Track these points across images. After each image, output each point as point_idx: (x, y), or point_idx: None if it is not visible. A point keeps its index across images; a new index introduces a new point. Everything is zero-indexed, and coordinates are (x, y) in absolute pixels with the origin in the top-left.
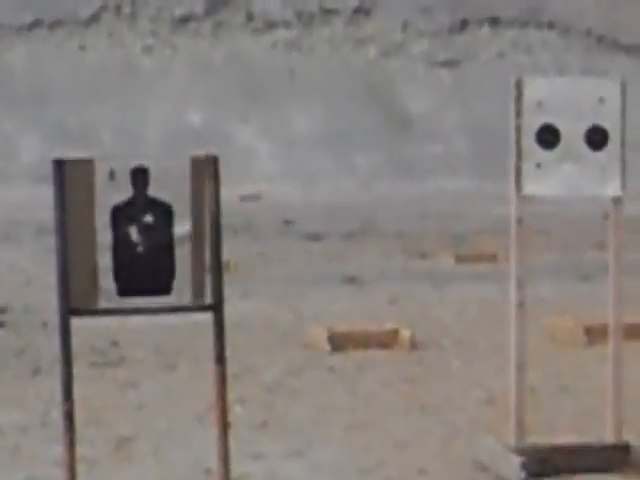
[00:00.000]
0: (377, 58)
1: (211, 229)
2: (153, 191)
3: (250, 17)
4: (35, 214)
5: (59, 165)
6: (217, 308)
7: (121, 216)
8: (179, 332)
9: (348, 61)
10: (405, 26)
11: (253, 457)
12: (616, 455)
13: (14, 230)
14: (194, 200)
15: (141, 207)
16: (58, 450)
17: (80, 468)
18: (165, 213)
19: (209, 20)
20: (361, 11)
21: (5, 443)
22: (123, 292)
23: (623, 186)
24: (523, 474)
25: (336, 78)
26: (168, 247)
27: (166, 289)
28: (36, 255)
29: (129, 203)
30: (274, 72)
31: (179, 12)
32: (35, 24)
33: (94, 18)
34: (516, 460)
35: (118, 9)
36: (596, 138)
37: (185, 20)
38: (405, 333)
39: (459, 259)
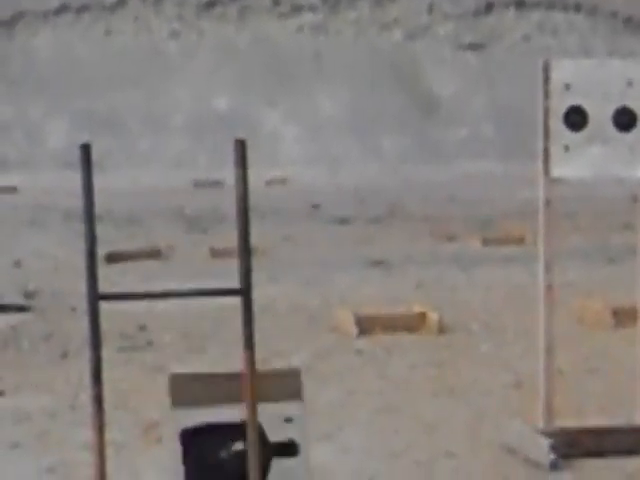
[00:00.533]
0: (403, 41)
1: (238, 213)
2: None
3: (276, 1)
4: (63, 200)
5: (86, 150)
6: (245, 292)
7: None
8: (207, 317)
9: (374, 44)
10: (431, 9)
11: None
12: None
13: (42, 215)
14: None
15: None
16: (87, 434)
17: (109, 452)
18: None
19: (235, 4)
20: None
21: (34, 427)
22: None
23: None
24: (552, 456)
25: (362, 61)
26: None
27: None
28: (64, 240)
29: None
30: (300, 56)
31: None
32: (61, 9)
33: (120, 3)
34: (545, 442)
35: None
36: (624, 120)
37: (211, 4)
38: (433, 316)
39: (486, 242)
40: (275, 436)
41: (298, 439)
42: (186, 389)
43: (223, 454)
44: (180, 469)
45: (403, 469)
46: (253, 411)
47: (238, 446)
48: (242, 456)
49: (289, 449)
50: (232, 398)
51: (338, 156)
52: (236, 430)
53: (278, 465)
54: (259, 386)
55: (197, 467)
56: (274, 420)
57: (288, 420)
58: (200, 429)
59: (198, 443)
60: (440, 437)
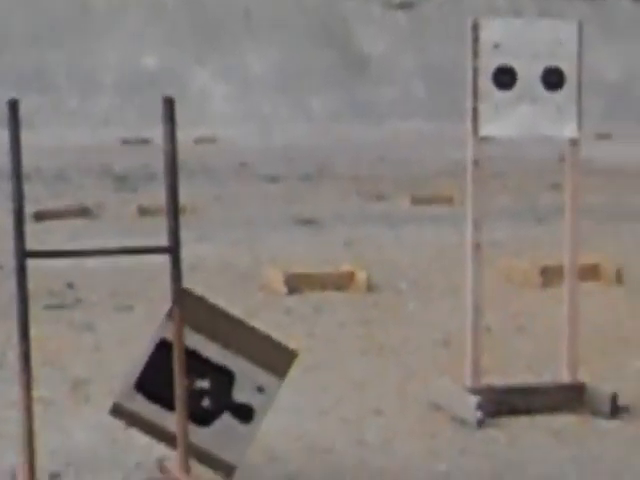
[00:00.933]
0: None
1: (167, 171)
2: None
3: None
4: None
5: (13, 106)
6: (174, 250)
7: None
8: (136, 275)
9: (303, 2)
10: None
11: None
12: (571, 395)
13: None
14: None
15: None
16: (15, 391)
17: (37, 409)
18: None
19: None
20: None
21: None
22: None
23: (579, 127)
24: (479, 414)
25: (291, 20)
26: None
27: None
28: None
29: None
30: (229, 14)
31: None
32: None
33: None
34: (472, 400)
35: None
36: (552, 79)
37: None
38: (361, 275)
39: (415, 201)
40: (240, 396)
41: (258, 410)
42: (195, 308)
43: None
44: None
45: (331, 426)
46: (181, 367)
47: (202, 384)
48: (199, 393)
49: (245, 414)
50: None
51: (267, 115)
52: (207, 368)
53: (227, 423)
54: (257, 342)
55: (157, 379)
56: (248, 382)
57: (260, 389)
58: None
59: (168, 359)
60: (369, 395)
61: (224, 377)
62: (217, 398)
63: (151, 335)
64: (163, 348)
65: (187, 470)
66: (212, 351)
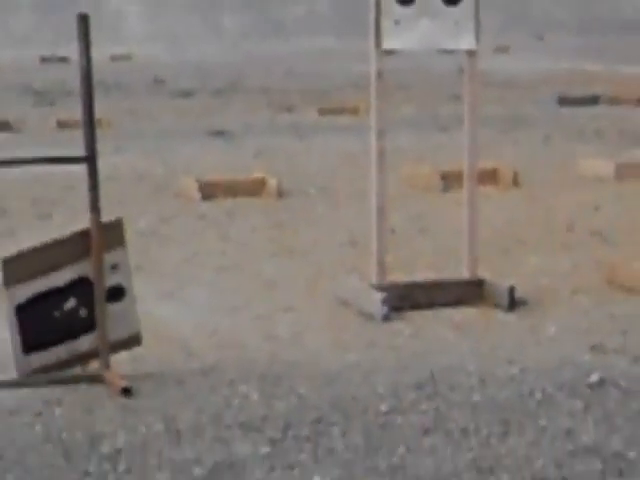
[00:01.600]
0: None
1: (82, 85)
2: None
3: None
4: None
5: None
6: (91, 160)
7: None
8: (55, 185)
9: None
10: None
11: None
12: (471, 290)
13: None
14: None
15: None
16: None
17: None
18: None
19: None
20: None
21: None
22: None
23: (477, 40)
24: (384, 309)
25: None
26: None
27: None
28: None
29: None
30: None
31: None
32: None
33: None
34: (377, 296)
35: None
36: None
37: None
38: (272, 182)
39: (322, 112)
40: (106, 281)
41: (124, 283)
42: (16, 269)
43: (56, 314)
44: (17, 340)
45: (244, 323)
46: (99, 265)
47: (69, 304)
48: (73, 311)
49: (116, 293)
50: (59, 264)
51: (181, 33)
52: (65, 291)
53: (109, 310)
54: (80, 241)
55: (35, 333)
56: (106, 275)
57: (114, 267)
58: (33, 300)
59: (32, 313)
60: (280, 293)
61: (80, 286)
62: (87, 302)
63: (7, 314)
64: (20, 312)
65: (107, 366)
66: (55, 279)
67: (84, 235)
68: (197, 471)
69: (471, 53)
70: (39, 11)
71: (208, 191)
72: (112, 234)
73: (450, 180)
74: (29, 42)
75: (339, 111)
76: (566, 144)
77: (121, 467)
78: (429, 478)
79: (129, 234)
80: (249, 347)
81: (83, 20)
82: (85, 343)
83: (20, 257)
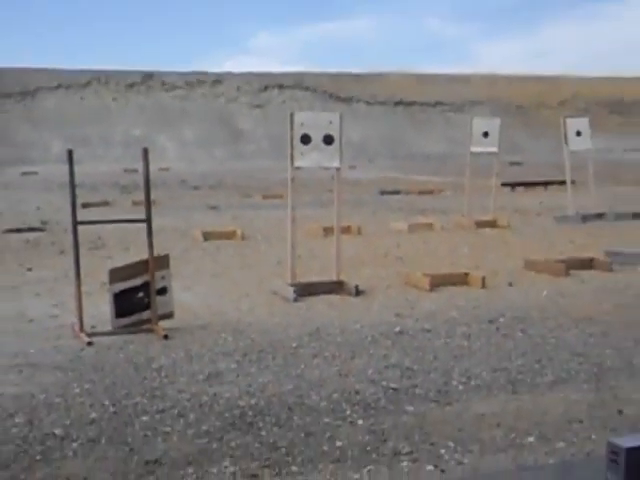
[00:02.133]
0: None
1: (145, 183)
2: None
3: None
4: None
5: (70, 154)
6: (148, 221)
7: None
8: (132, 232)
9: None
10: None
11: None
12: (336, 286)
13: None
14: None
15: None
16: (72, 289)
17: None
18: None
19: None
20: None
21: (47, 285)
22: None
23: (340, 162)
24: (294, 295)
25: None
26: None
27: None
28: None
29: None
30: None
31: None
32: None
33: None
34: (290, 289)
35: None
36: (329, 140)
37: None
38: (239, 232)
39: (265, 197)
40: (157, 285)
41: (167, 286)
42: (114, 275)
43: (133, 299)
44: (113, 311)
45: (224, 302)
46: (153, 276)
47: (140, 294)
48: (141, 299)
49: (162, 291)
50: (135, 274)
51: (194, 157)
52: (138, 288)
53: (158, 299)
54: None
55: (122, 308)
56: (158, 279)
57: (163, 277)
58: (122, 291)
59: (121, 298)
60: (243, 288)
61: (145, 286)
62: (148, 294)
63: (109, 298)
64: (116, 297)
65: (156, 325)
66: (133, 282)
67: (147, 261)
68: (200, 377)
69: (337, 169)
70: (124, 147)
71: (206, 236)
72: (162, 261)
73: (328, 231)
74: (119, 161)
75: (273, 197)
76: (384, 214)
77: (162, 374)
78: (315, 379)
79: (176, 257)
80: (227, 315)
81: (145, 152)
82: (146, 314)
83: (116, 269)
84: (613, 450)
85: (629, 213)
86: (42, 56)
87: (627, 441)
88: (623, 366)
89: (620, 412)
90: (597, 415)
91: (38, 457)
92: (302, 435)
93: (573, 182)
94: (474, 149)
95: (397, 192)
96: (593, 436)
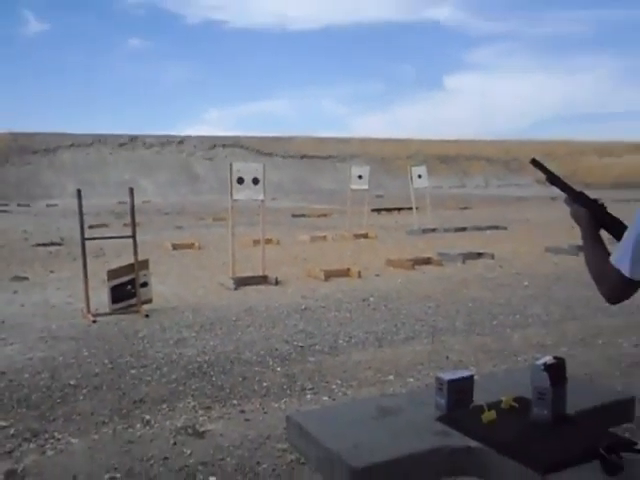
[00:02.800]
0: None
1: (130, 210)
2: None
3: None
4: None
5: (79, 192)
6: (134, 237)
7: None
8: (122, 245)
9: None
10: None
11: None
12: (262, 279)
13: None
14: None
15: None
16: (81, 285)
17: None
18: None
19: None
20: None
21: (65, 284)
22: None
23: (264, 196)
24: (234, 285)
25: None
26: None
27: None
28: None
29: None
30: None
31: None
32: None
33: None
34: (231, 281)
35: None
36: (256, 181)
37: None
38: (197, 243)
39: (215, 219)
40: (140, 280)
41: (148, 281)
42: (111, 274)
43: (124, 290)
44: (110, 298)
45: (187, 291)
46: (138, 275)
47: (128, 287)
48: (130, 290)
49: (145, 284)
50: (125, 273)
51: (166, 193)
52: (127, 282)
53: (141, 290)
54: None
55: (116, 296)
56: (142, 276)
57: (145, 275)
58: (116, 285)
59: (116, 289)
60: (200, 281)
61: (132, 281)
62: (134, 286)
63: (108, 290)
64: (113, 289)
65: (140, 307)
66: (124, 278)
67: (133, 264)
68: (170, 342)
69: (262, 200)
70: (117, 187)
71: (174, 247)
72: (144, 264)
73: (256, 242)
74: (114, 197)
75: (220, 219)
76: (294, 230)
77: (144, 341)
78: (248, 341)
79: (153, 261)
80: (188, 299)
81: (131, 190)
82: (133, 300)
83: (112, 270)
84: (440, 382)
85: (452, 227)
86: (60, 123)
87: (448, 375)
88: (449, 327)
89: (447, 357)
90: (433, 359)
91: (58, 400)
92: (240, 379)
93: (417, 208)
94: (353, 187)
95: (303, 215)
96: (430, 373)
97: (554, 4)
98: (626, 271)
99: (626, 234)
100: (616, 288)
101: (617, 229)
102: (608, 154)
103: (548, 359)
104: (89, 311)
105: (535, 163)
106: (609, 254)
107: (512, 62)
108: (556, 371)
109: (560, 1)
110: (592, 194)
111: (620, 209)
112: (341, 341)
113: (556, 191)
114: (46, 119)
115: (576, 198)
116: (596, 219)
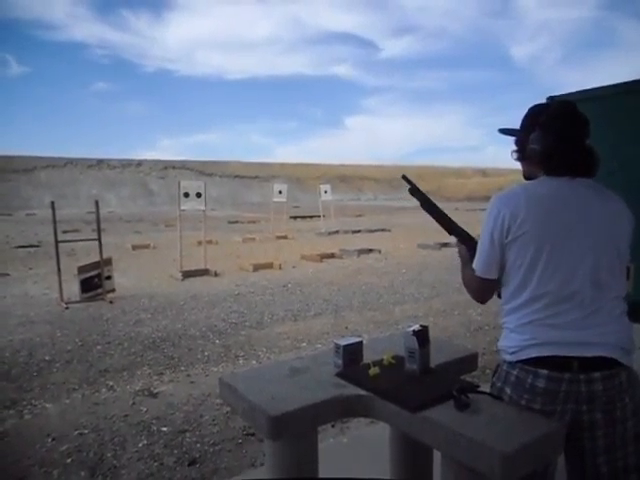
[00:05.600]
0: None
1: (97, 216)
2: None
3: None
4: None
5: (52, 204)
6: (99, 239)
7: None
8: (88, 246)
9: None
10: None
11: None
12: (205, 271)
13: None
14: None
15: None
16: (55, 264)
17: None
18: None
19: None
20: None
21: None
22: None
23: (205, 207)
24: (181, 276)
25: None
26: None
27: None
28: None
29: None
30: None
31: None
32: None
33: None
34: (179, 273)
35: None
36: (199, 195)
37: None
38: (152, 244)
39: (167, 224)
40: (105, 274)
41: (111, 275)
42: (81, 269)
43: (92, 282)
44: (79, 288)
45: (145, 282)
46: (103, 269)
47: (95, 279)
48: (97, 282)
49: (109, 277)
50: (92, 268)
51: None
52: (94, 276)
53: (106, 281)
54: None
55: (85, 287)
56: (105, 272)
57: (109, 270)
58: (85, 278)
59: (85, 281)
60: (154, 274)
61: (98, 275)
62: (100, 279)
63: (78, 282)
64: (82, 281)
65: (105, 295)
66: (92, 273)
67: (99, 261)
68: (130, 323)
69: (204, 210)
70: (86, 200)
71: (134, 248)
72: (108, 261)
73: (200, 243)
74: (83, 208)
75: (170, 225)
76: (230, 234)
77: (109, 322)
78: (193, 320)
79: (116, 259)
80: (145, 289)
81: (97, 202)
82: (100, 290)
83: (82, 266)
84: (337, 346)
85: (350, 230)
86: (39, 146)
87: (343, 341)
88: (348, 305)
89: (346, 328)
90: (335, 330)
91: (35, 373)
92: (186, 350)
93: (324, 215)
94: (275, 200)
95: (237, 222)
96: (334, 340)
97: (422, 65)
98: (478, 269)
99: (478, 246)
100: (478, 290)
101: None
102: (461, 176)
103: (416, 327)
104: (62, 299)
105: (405, 178)
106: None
107: (393, 108)
108: (422, 335)
109: (426, 63)
110: (450, 206)
111: (471, 216)
112: (266, 318)
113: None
114: (24, 144)
115: (460, 238)
116: (471, 251)
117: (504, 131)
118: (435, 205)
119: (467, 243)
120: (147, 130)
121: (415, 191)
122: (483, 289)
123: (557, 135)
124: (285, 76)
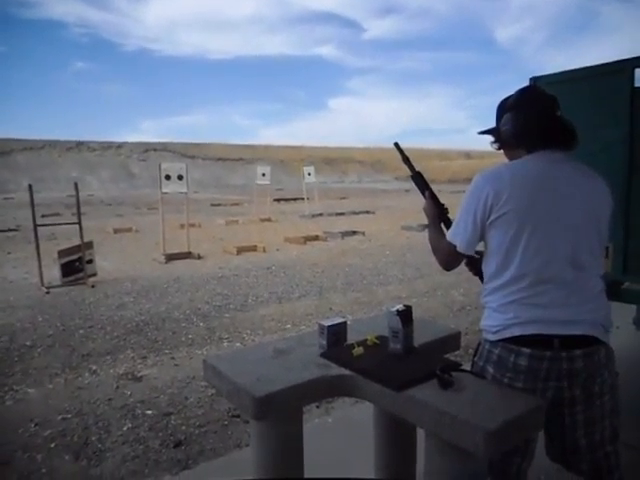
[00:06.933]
0: None
1: (77, 202)
2: None
3: None
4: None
5: (30, 187)
6: (79, 223)
7: None
8: (72, 230)
9: None
10: None
11: None
12: (189, 254)
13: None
14: None
15: None
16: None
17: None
18: None
19: None
20: None
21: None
22: None
23: (187, 190)
24: (165, 260)
25: None
26: None
27: None
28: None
29: None
30: None
31: None
32: None
33: None
34: (163, 256)
35: None
36: (180, 178)
37: None
38: (135, 228)
39: (149, 208)
40: (86, 257)
41: (93, 258)
42: (62, 253)
43: (74, 265)
44: (60, 272)
45: (128, 266)
46: (84, 253)
47: (77, 263)
48: (78, 265)
49: (90, 261)
50: (75, 252)
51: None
52: (77, 260)
53: (87, 265)
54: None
55: (66, 271)
56: (86, 255)
57: (90, 254)
58: (67, 262)
59: (67, 264)
60: (138, 258)
61: (80, 259)
62: (82, 263)
63: (59, 266)
64: (64, 265)
65: (87, 279)
66: (74, 256)
67: (80, 245)
68: (113, 307)
69: (185, 193)
70: (66, 182)
71: (115, 231)
72: (89, 244)
73: (183, 226)
74: (63, 191)
75: (153, 208)
76: (213, 216)
77: (91, 306)
78: (177, 303)
79: (97, 243)
80: (127, 272)
81: (76, 185)
82: (81, 274)
83: (62, 250)
84: (321, 327)
85: (334, 212)
86: (16, 129)
87: (327, 322)
88: (332, 286)
89: (331, 309)
90: (320, 311)
91: (16, 359)
92: (170, 333)
93: (307, 198)
94: (258, 182)
95: (219, 205)
96: (318, 321)
97: (407, 46)
98: (461, 247)
99: (457, 215)
100: (449, 257)
101: (450, 226)
102: (445, 159)
103: (399, 306)
104: (43, 284)
105: (397, 146)
106: (444, 235)
107: (378, 89)
108: (405, 315)
109: (411, 44)
110: (434, 188)
111: (454, 198)
112: (250, 300)
113: (409, 186)
114: (0, 126)
115: (431, 197)
116: (440, 215)
117: (483, 132)
118: (421, 175)
119: (436, 202)
120: (128, 111)
121: (418, 179)
122: (456, 260)
123: (525, 112)
124: (269, 57)
